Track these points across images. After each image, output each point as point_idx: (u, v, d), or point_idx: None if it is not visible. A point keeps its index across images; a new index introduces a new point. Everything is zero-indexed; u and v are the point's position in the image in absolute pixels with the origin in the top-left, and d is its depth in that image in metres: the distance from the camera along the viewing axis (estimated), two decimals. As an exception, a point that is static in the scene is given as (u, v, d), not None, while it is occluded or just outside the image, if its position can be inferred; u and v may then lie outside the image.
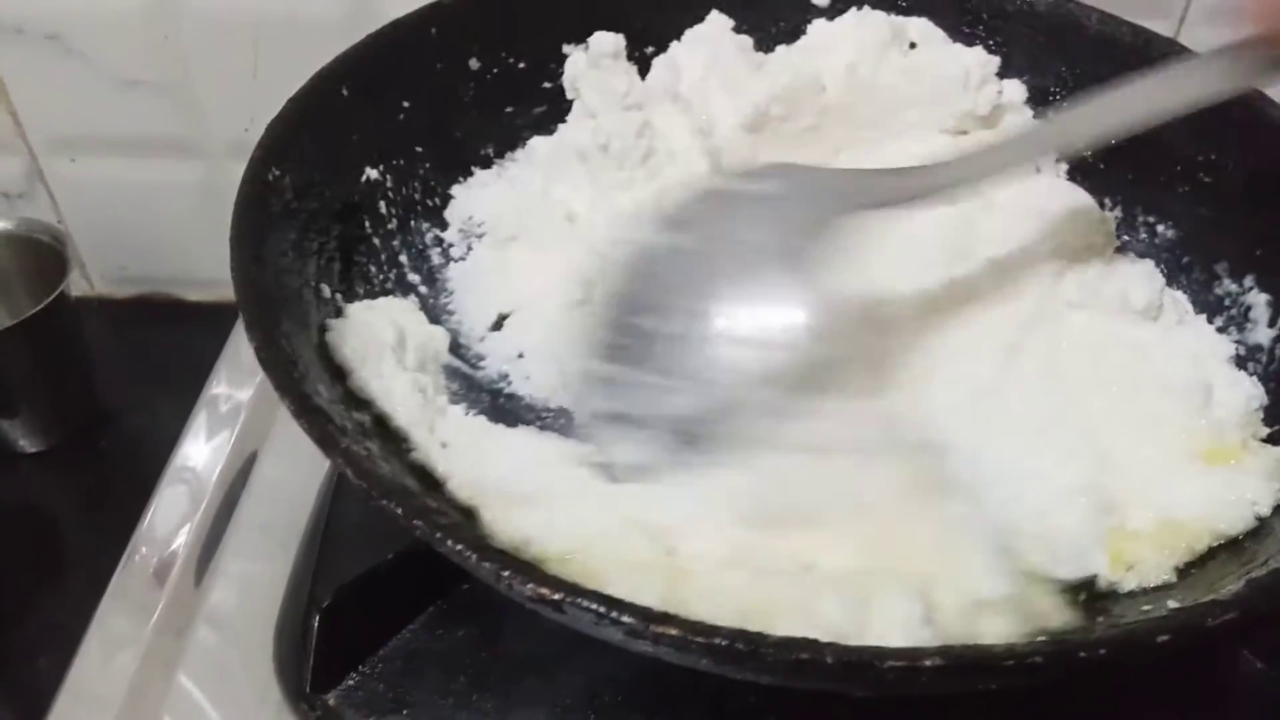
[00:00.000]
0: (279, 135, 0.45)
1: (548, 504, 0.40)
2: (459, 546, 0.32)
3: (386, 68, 0.52)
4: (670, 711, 0.42)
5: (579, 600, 0.31)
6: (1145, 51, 0.53)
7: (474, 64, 0.56)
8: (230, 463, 0.54)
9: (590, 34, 0.57)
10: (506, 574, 0.31)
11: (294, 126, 0.46)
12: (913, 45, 0.57)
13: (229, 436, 0.55)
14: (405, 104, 0.53)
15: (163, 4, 0.70)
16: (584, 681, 0.42)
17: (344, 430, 0.36)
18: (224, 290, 0.88)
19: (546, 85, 0.58)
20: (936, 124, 0.56)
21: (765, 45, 0.59)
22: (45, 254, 0.73)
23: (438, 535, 0.32)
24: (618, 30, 0.58)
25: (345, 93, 0.50)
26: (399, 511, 0.33)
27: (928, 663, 0.29)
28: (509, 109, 0.57)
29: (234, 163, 0.78)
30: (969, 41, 0.58)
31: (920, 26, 0.57)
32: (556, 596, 0.31)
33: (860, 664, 0.29)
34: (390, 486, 0.33)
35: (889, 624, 0.35)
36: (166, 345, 0.85)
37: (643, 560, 0.38)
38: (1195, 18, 0.66)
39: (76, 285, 0.71)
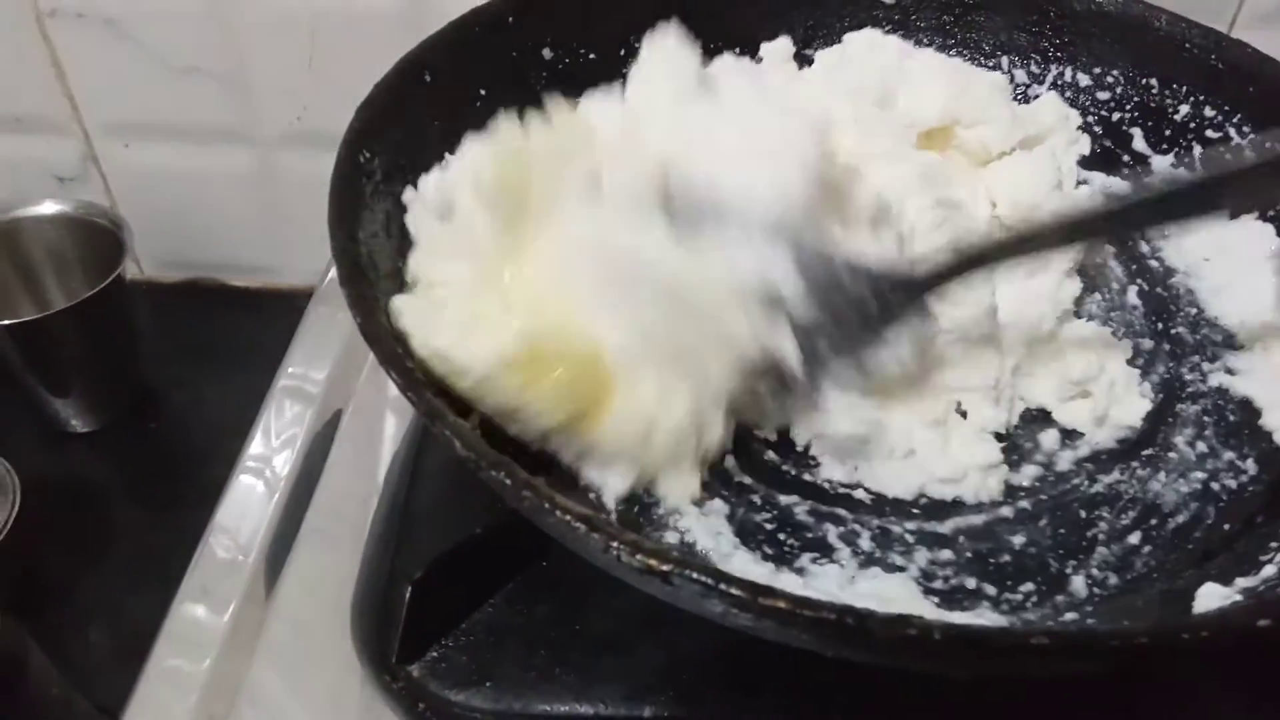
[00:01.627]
0: (369, 118, 0.46)
1: None
2: (567, 518, 0.33)
3: (465, 55, 0.53)
4: (749, 689, 0.42)
5: (687, 573, 0.31)
6: (1215, 52, 0.54)
7: (547, 54, 0.57)
8: (302, 450, 0.55)
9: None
10: (615, 546, 0.32)
11: (382, 110, 0.47)
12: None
13: (301, 425, 0.56)
14: (482, 91, 0.54)
15: (223, -8, 0.71)
16: (663, 659, 0.43)
17: (447, 403, 0.36)
18: (270, 277, 0.90)
19: (615, 77, 0.59)
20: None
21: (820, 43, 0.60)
22: (101, 237, 0.74)
23: (546, 506, 0.33)
24: (686, 24, 0.59)
25: (428, 78, 0.50)
26: (507, 483, 0.33)
27: (1034, 641, 0.30)
28: (578, 99, 0.58)
29: (285, 152, 0.80)
30: (1034, 40, 0.58)
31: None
32: (665, 568, 0.31)
33: (967, 640, 0.30)
34: (497, 459, 0.34)
35: None
36: (212, 329, 0.86)
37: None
38: (1246, 20, 0.67)
39: (125, 267, 0.72)
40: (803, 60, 0.60)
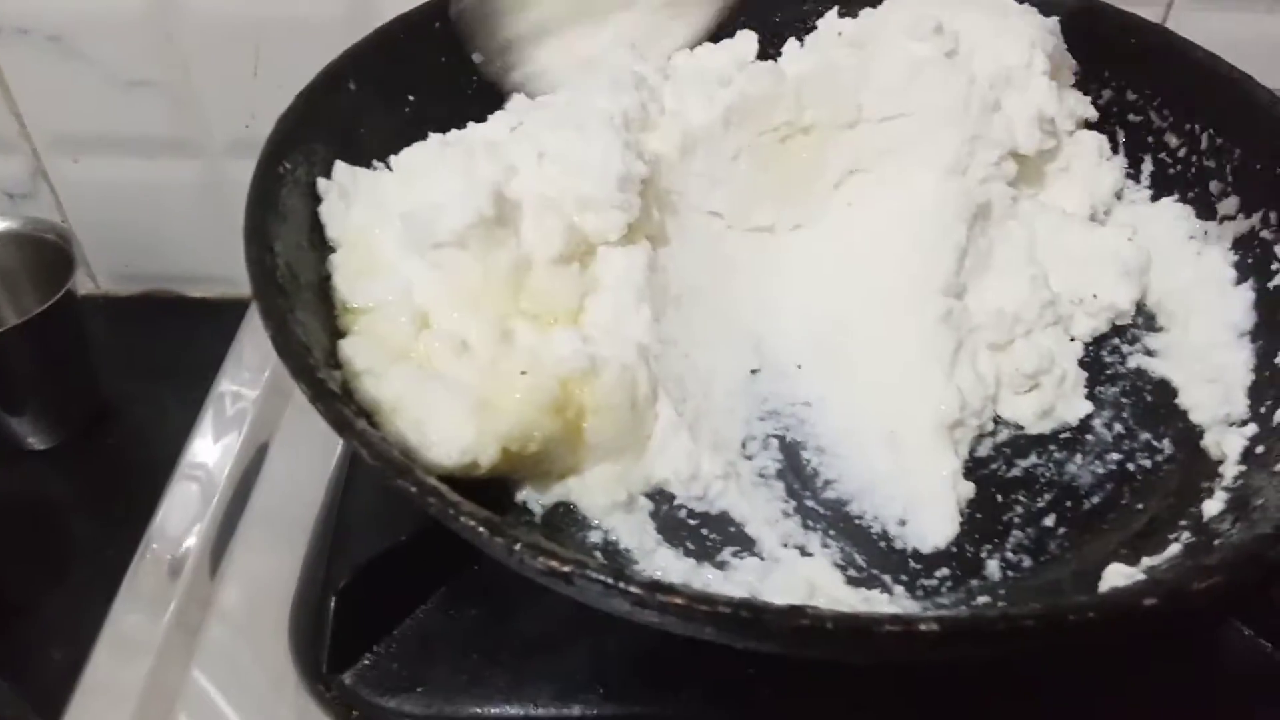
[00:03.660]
0: (288, 129, 0.46)
1: None
2: (471, 523, 0.33)
3: (391, 62, 0.53)
4: (672, 685, 0.43)
5: (587, 572, 0.32)
6: (1135, 37, 0.55)
7: (477, 58, 0.57)
8: (240, 457, 0.55)
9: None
10: (518, 549, 0.32)
11: (303, 120, 0.47)
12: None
13: (238, 432, 0.56)
14: (410, 98, 0.54)
15: (164, 6, 0.71)
16: (590, 658, 0.43)
17: (358, 414, 0.37)
18: (226, 286, 0.90)
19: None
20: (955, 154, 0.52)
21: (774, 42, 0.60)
22: (51, 252, 0.74)
23: (450, 511, 0.33)
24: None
25: (352, 87, 0.51)
26: (413, 490, 0.34)
27: (923, 628, 0.30)
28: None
29: (235, 161, 0.80)
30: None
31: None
32: (566, 569, 0.32)
33: (857, 629, 0.30)
34: (403, 466, 0.35)
35: None
36: (170, 341, 0.86)
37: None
38: (1183, 2, 0.67)
39: (81, 283, 0.71)
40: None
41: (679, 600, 0.31)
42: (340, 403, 0.36)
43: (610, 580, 0.32)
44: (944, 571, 0.41)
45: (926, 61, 0.52)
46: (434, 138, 0.51)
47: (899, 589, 0.40)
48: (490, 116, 0.54)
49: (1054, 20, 0.55)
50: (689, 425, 0.44)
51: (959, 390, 0.45)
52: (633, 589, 0.31)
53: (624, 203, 0.46)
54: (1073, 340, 0.50)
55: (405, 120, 0.54)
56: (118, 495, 0.75)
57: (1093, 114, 0.56)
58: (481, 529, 0.33)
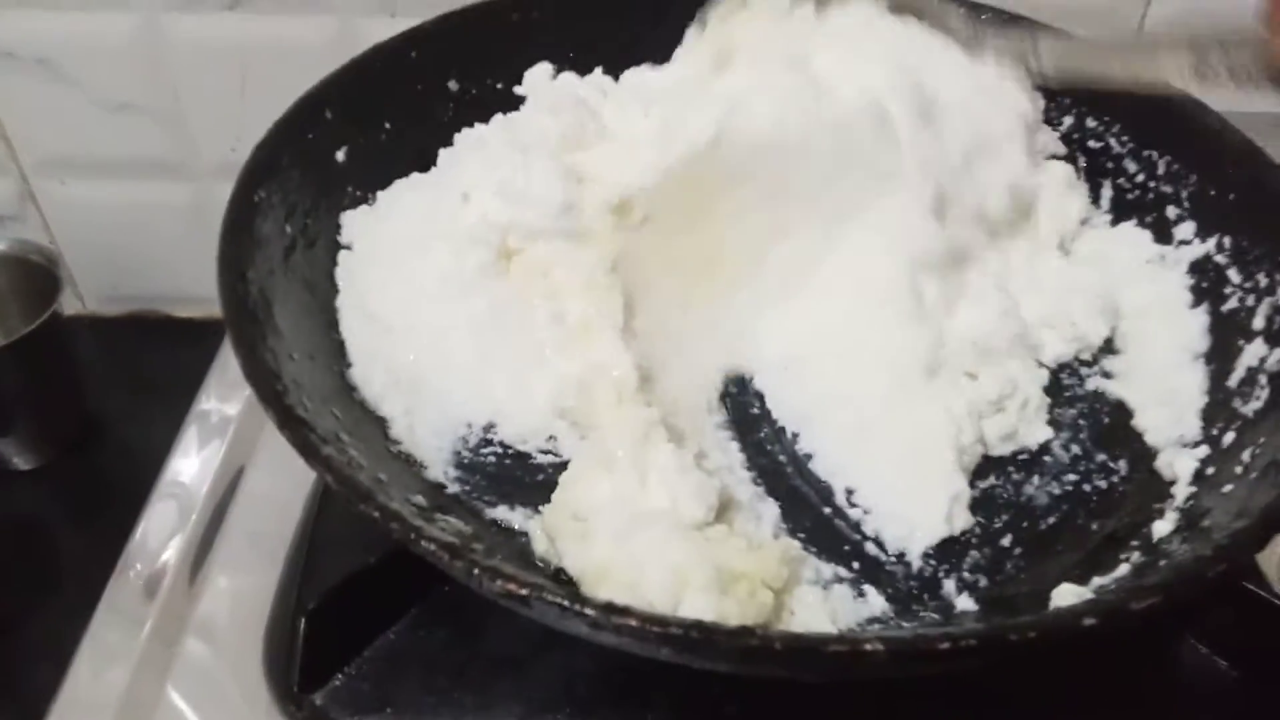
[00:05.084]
0: (264, 158, 0.48)
1: None
2: (432, 547, 0.34)
3: (369, 90, 0.54)
4: (639, 704, 0.43)
5: (544, 595, 0.33)
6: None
7: (453, 85, 0.58)
8: (219, 476, 0.56)
9: (567, 54, 0.60)
10: (477, 572, 0.33)
11: (278, 149, 0.48)
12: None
13: (217, 450, 0.57)
14: (387, 125, 0.55)
15: (152, 29, 0.72)
16: (558, 677, 0.44)
17: (325, 439, 0.38)
18: (212, 307, 0.89)
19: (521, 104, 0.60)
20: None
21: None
22: (37, 274, 0.75)
23: (412, 536, 0.34)
24: (591, 51, 0.60)
25: (329, 115, 0.52)
26: (376, 515, 0.35)
27: (868, 647, 0.31)
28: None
29: (222, 183, 0.80)
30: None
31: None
32: (524, 592, 0.33)
33: (804, 649, 0.31)
34: (367, 491, 0.35)
35: None
36: (157, 361, 0.86)
37: None
38: (1150, 27, 0.68)
39: (68, 303, 0.72)
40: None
41: (633, 622, 0.32)
42: (307, 429, 0.37)
43: (566, 603, 0.32)
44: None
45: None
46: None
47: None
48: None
49: (1038, 95, 0.55)
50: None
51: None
52: (588, 611, 0.32)
53: (569, 229, 0.47)
54: (1041, 366, 0.50)
55: (381, 147, 0.56)
56: (104, 514, 0.75)
57: (1061, 149, 0.57)
58: (442, 553, 0.34)
